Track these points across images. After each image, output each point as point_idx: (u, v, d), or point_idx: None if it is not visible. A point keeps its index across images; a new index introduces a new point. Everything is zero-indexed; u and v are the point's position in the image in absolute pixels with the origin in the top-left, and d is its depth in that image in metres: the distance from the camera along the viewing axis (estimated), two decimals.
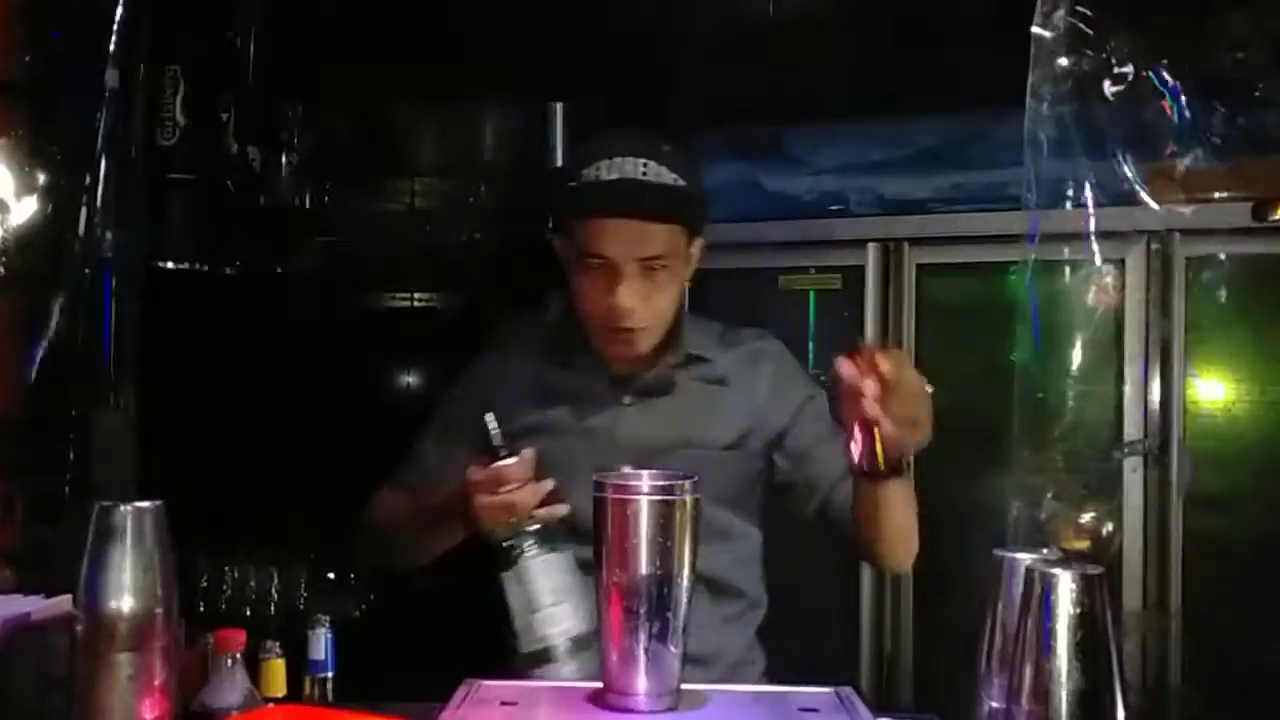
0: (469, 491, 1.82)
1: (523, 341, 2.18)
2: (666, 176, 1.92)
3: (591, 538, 1.54)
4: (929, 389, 1.76)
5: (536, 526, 1.82)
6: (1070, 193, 1.99)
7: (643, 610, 1.50)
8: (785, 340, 3.75)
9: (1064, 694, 1.26)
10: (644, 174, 1.90)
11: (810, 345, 3.76)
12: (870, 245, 3.62)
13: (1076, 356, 2.21)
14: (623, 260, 1.91)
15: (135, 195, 2.26)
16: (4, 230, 1.97)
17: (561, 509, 1.82)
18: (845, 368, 1.67)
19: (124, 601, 1.41)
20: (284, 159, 3.92)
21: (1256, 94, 2.05)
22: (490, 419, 1.87)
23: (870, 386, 1.65)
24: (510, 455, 1.84)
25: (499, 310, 3.78)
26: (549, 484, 1.81)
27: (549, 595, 1.80)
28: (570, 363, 2.08)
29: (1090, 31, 1.84)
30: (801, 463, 2.13)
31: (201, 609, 3.15)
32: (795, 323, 3.72)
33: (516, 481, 1.82)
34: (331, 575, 3.47)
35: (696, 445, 2.06)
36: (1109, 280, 3.06)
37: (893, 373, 1.67)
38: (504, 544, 1.83)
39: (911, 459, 1.88)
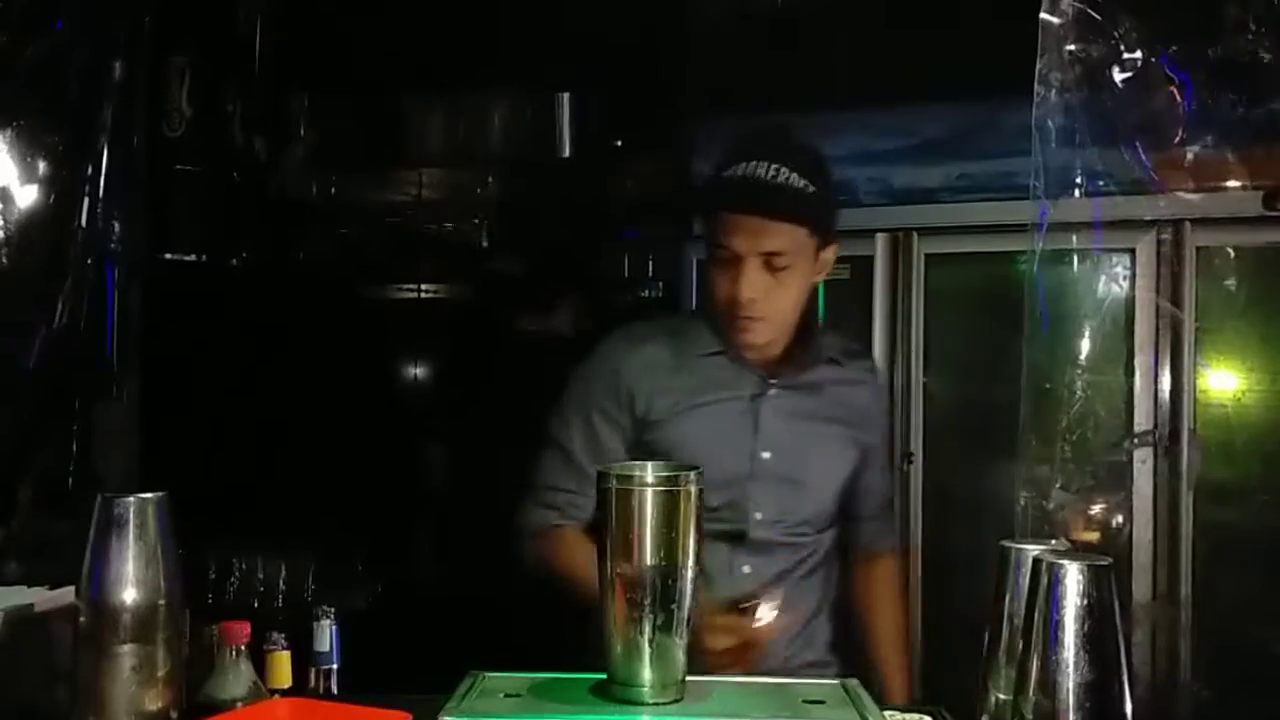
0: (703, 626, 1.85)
1: (650, 329, 2.26)
2: (796, 181, 2.05)
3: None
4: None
5: None
6: (1079, 181, 1.98)
7: (647, 601, 1.49)
8: None
9: (1071, 685, 1.25)
10: (773, 176, 2.05)
11: (810, 330, 3.75)
12: (879, 235, 3.60)
13: (1085, 346, 2.19)
14: (746, 253, 2.04)
15: (139, 186, 2.25)
16: (7, 221, 1.96)
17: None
18: None
19: (127, 593, 1.41)
20: (290, 150, 3.92)
21: (1267, 81, 2.03)
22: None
23: None
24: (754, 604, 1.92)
25: (505, 300, 3.79)
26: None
27: None
28: (713, 349, 2.17)
29: (1098, 17, 1.83)
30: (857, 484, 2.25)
31: (208, 600, 3.15)
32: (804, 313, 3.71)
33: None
34: (338, 567, 3.48)
35: (838, 434, 2.20)
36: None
37: None
38: None
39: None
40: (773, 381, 2.15)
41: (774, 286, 2.06)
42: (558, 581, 2.11)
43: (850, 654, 2.23)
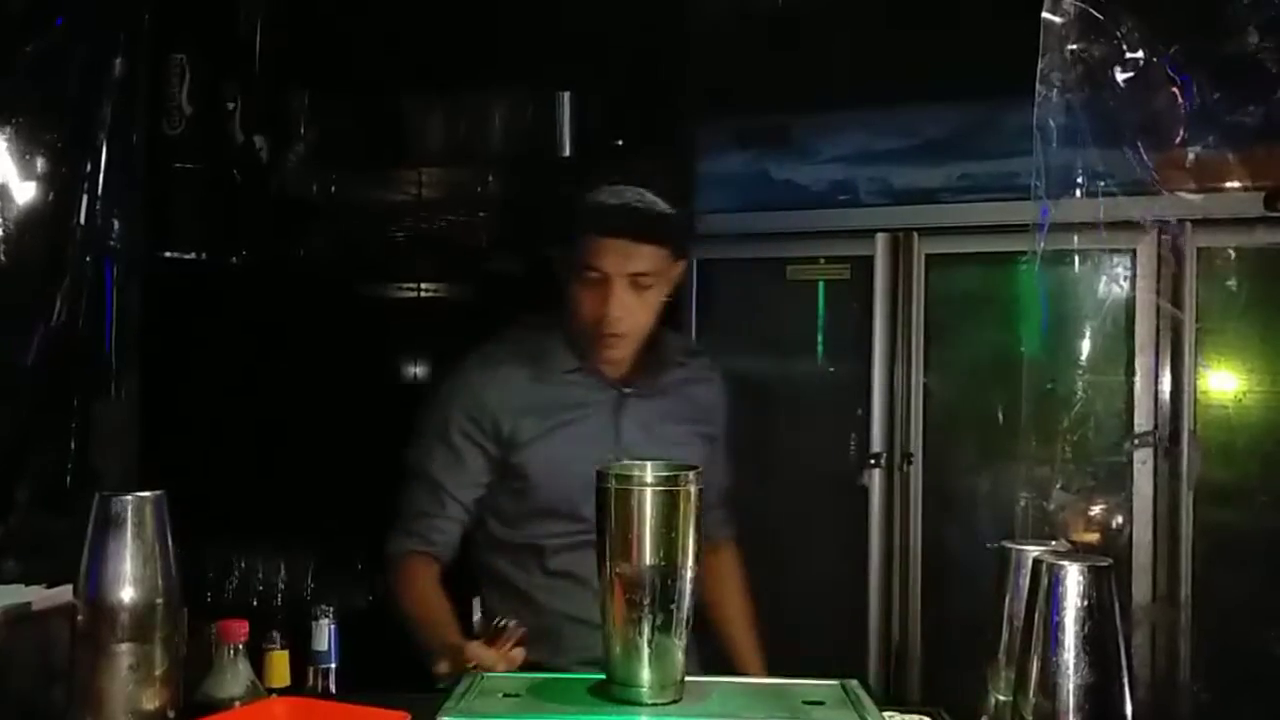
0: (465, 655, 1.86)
1: (506, 352, 2.30)
2: (659, 205, 2.14)
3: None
4: None
5: None
6: (1080, 181, 1.98)
7: (646, 602, 1.49)
8: (794, 331, 3.78)
9: (1071, 687, 1.25)
10: (638, 202, 2.13)
11: (819, 336, 3.75)
12: (879, 235, 3.60)
13: (1086, 347, 2.19)
14: (615, 273, 2.13)
15: (139, 184, 2.25)
16: (6, 218, 1.96)
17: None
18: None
19: (125, 592, 1.41)
20: (291, 148, 3.92)
21: (1269, 81, 2.03)
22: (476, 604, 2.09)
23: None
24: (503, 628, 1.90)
25: (506, 300, 3.78)
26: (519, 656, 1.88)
27: None
28: (572, 367, 2.26)
29: (1100, 17, 1.82)
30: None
31: (207, 599, 3.15)
32: (804, 313, 3.71)
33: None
34: (337, 566, 3.47)
35: (689, 433, 2.30)
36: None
37: None
38: None
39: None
40: (628, 391, 2.25)
41: (638, 305, 2.16)
42: (401, 617, 2.16)
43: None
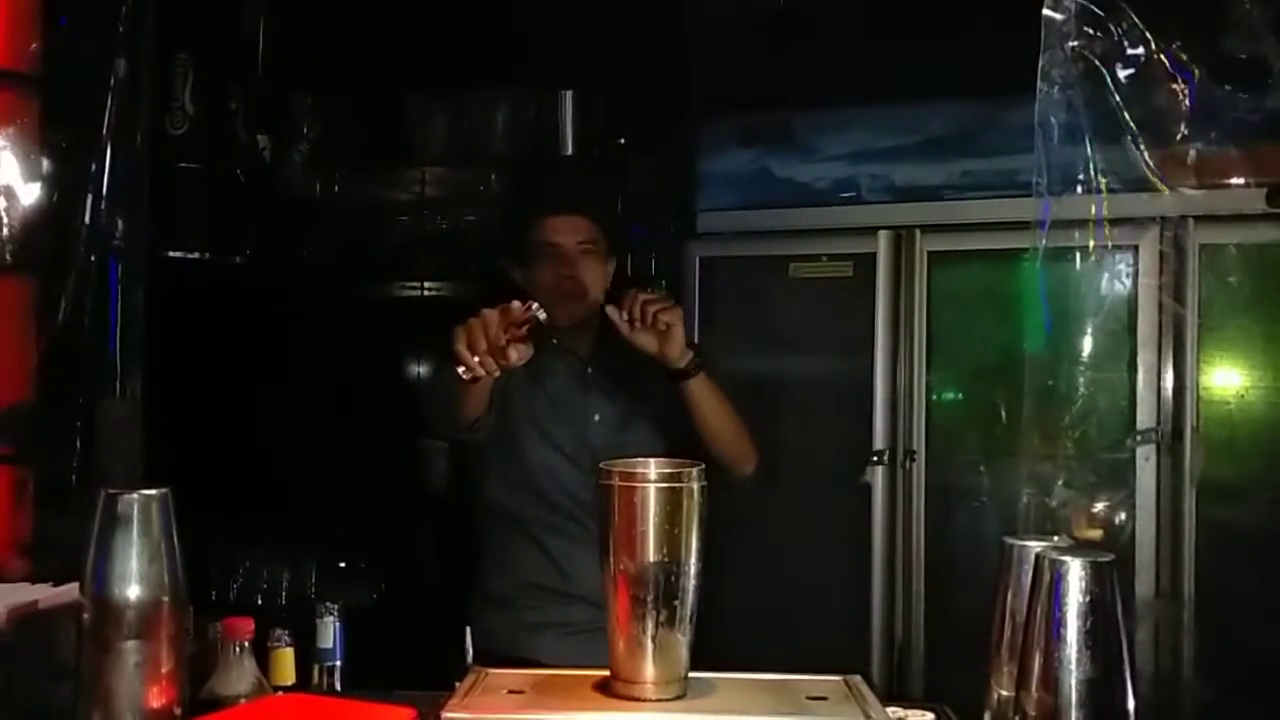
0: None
1: None
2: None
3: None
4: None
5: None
6: (1081, 178, 1.97)
7: (650, 598, 1.49)
8: (796, 329, 3.78)
9: (1073, 682, 1.25)
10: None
11: (822, 333, 3.75)
12: (881, 232, 3.60)
13: (1088, 344, 2.19)
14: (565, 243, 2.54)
15: (143, 184, 2.25)
16: (11, 218, 1.96)
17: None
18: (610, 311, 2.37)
19: (131, 589, 1.41)
20: (294, 148, 3.92)
21: (1271, 77, 2.03)
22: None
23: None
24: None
25: (508, 298, 3.78)
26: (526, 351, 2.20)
27: None
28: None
29: (1101, 13, 1.82)
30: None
31: (212, 597, 3.15)
32: (806, 310, 3.72)
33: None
34: (342, 564, 3.48)
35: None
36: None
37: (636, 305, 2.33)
38: None
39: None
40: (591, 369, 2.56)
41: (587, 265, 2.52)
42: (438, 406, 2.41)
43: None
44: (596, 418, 2.54)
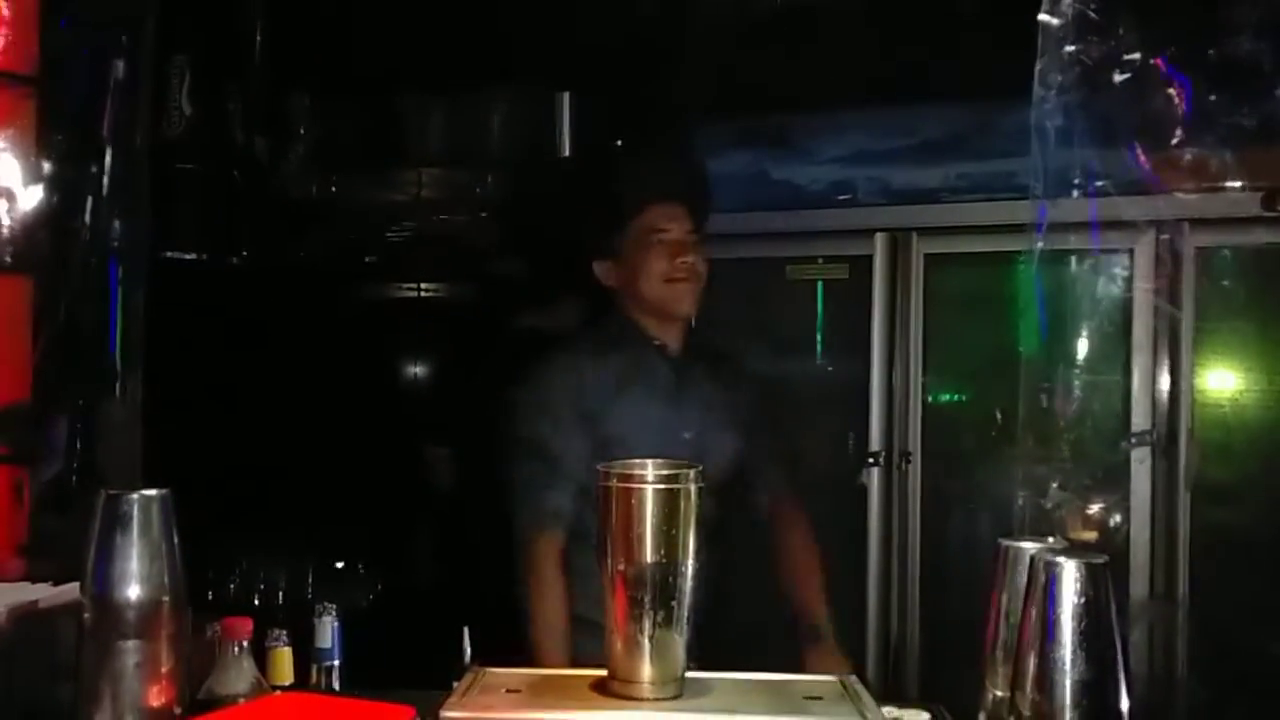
0: None
1: (581, 347, 2.54)
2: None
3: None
4: None
5: None
6: (1077, 182, 1.98)
7: (648, 599, 1.50)
8: (793, 330, 3.79)
9: (1068, 683, 1.26)
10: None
11: (818, 335, 3.76)
12: (878, 235, 3.61)
13: (1083, 346, 2.20)
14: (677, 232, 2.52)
15: (141, 185, 2.25)
16: (11, 219, 1.97)
17: None
18: None
19: (131, 589, 1.42)
20: (292, 149, 3.92)
21: (1266, 82, 2.04)
22: None
23: None
24: None
25: (506, 300, 3.79)
26: None
27: None
28: (645, 340, 2.51)
29: (1097, 18, 1.83)
30: None
31: (210, 597, 3.15)
32: (803, 312, 3.72)
33: None
34: (339, 564, 3.48)
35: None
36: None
37: None
38: None
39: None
40: (684, 364, 2.51)
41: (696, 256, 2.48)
42: (525, 596, 2.35)
43: None
44: (686, 435, 2.43)
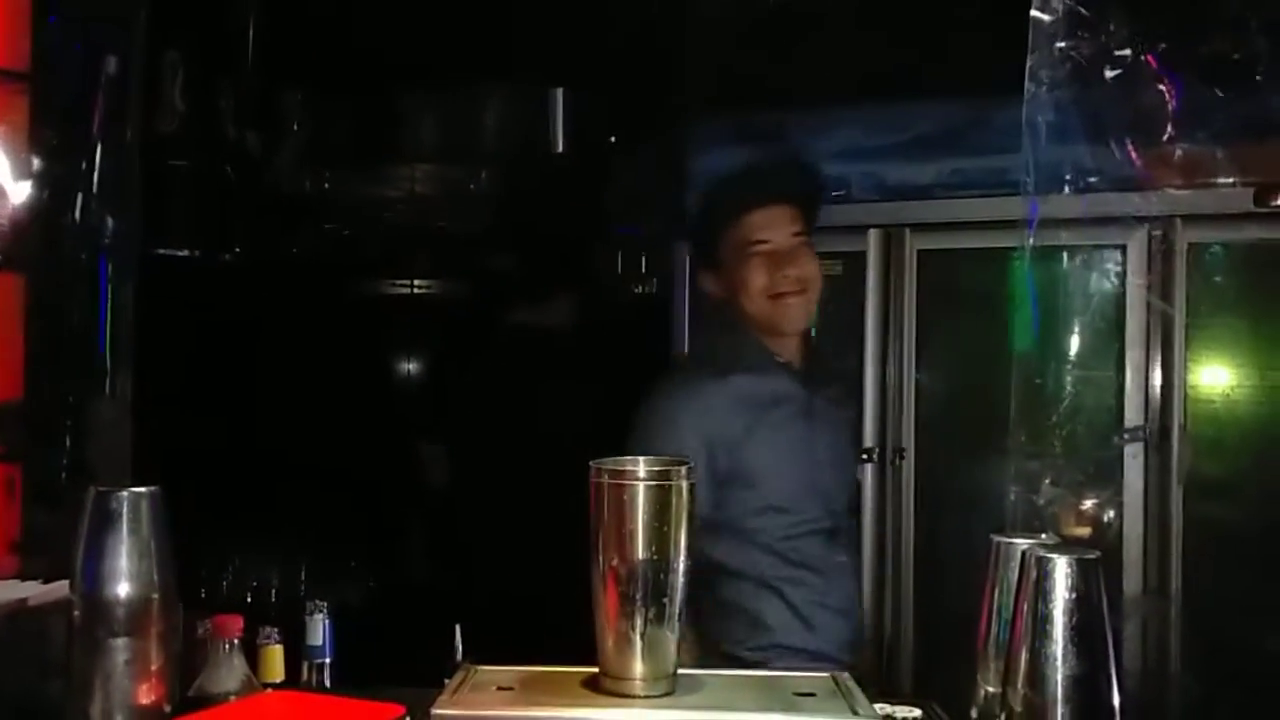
0: None
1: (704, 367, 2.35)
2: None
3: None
4: None
5: None
6: (1069, 178, 1.98)
7: (639, 595, 1.49)
8: None
9: (1059, 678, 1.26)
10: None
11: (811, 331, 3.76)
12: (871, 231, 3.61)
13: (1076, 342, 2.20)
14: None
15: (133, 181, 2.25)
16: (1, 216, 1.96)
17: None
18: None
19: (121, 587, 1.41)
20: (284, 145, 3.92)
21: (1257, 78, 2.04)
22: None
23: None
24: None
25: (499, 296, 3.79)
26: None
27: None
28: (767, 358, 2.30)
29: (1089, 14, 1.83)
30: None
31: (201, 595, 3.15)
32: None
33: None
34: (331, 561, 3.48)
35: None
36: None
37: None
38: None
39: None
40: (812, 383, 2.31)
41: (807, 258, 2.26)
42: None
43: None
44: (819, 456, 2.27)
